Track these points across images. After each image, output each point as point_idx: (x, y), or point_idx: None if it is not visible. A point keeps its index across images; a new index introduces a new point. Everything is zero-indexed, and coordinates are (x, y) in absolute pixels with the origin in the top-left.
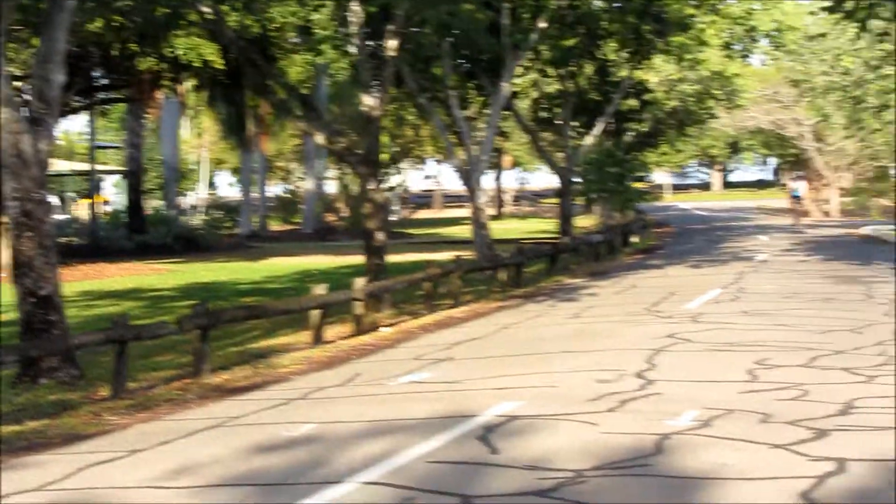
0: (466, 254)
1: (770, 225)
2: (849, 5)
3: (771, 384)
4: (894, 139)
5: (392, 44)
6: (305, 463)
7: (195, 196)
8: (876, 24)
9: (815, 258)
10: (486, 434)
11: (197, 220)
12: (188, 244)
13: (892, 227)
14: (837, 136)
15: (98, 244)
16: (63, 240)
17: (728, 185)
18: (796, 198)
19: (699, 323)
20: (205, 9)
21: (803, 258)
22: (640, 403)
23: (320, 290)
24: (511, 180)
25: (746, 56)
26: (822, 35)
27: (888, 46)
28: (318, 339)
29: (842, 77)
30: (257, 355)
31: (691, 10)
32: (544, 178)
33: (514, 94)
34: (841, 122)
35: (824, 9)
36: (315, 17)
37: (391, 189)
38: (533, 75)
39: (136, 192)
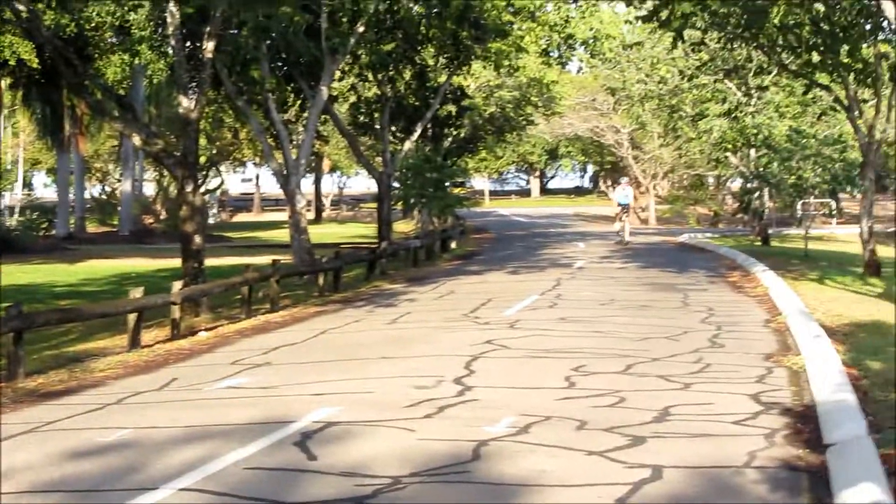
0: (285, 258)
1: (588, 232)
2: (664, 15)
3: (588, 391)
4: (709, 148)
5: (209, 46)
6: (120, 469)
7: (10, 196)
8: (691, 34)
9: (633, 265)
10: (304, 440)
11: (12, 221)
12: (3, 245)
13: (709, 234)
14: (654, 144)
15: None
16: None
17: (546, 191)
18: (624, 206)
19: (517, 329)
20: (20, 6)
21: (620, 265)
22: (458, 410)
23: (137, 293)
24: (330, 184)
25: (564, 64)
26: (639, 44)
27: (703, 56)
28: (134, 343)
29: (658, 86)
30: (73, 359)
31: (509, 17)
32: (364, 183)
33: (333, 98)
34: (657, 130)
35: (640, 18)
36: (132, 17)
37: (209, 192)
38: (351, 79)
39: None
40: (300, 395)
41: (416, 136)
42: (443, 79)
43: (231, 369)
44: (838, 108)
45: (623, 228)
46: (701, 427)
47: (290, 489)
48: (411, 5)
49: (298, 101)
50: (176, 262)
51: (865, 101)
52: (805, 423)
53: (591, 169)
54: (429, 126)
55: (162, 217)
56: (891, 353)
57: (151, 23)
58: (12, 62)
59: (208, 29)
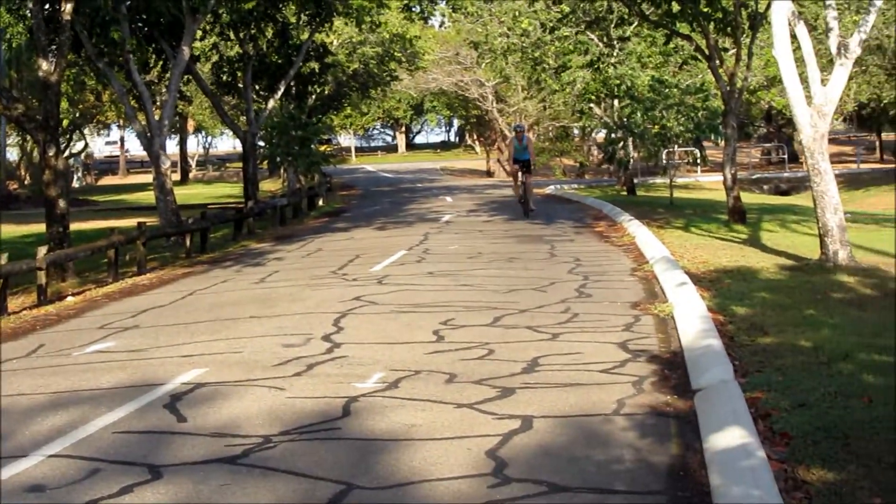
0: (151, 220)
1: (455, 186)
2: None
3: (457, 344)
4: (573, 100)
5: (68, 7)
6: None
7: None
8: None
9: (500, 218)
10: (173, 402)
11: None
12: None
13: (575, 185)
14: (518, 97)
15: None
16: None
17: (413, 146)
18: (523, 163)
19: (385, 285)
20: None
21: (487, 218)
22: (327, 367)
23: (1, 259)
24: (195, 145)
25: (426, 18)
26: None
27: (564, 8)
28: (0, 311)
29: (520, 39)
30: None
31: None
32: (229, 143)
33: (195, 58)
34: (521, 83)
35: None
36: None
37: (73, 156)
38: (213, 39)
39: None
40: (169, 357)
41: (279, 94)
42: (305, 36)
43: (99, 333)
44: (699, 57)
45: (525, 193)
46: (569, 377)
47: (161, 452)
48: None
49: (160, 62)
50: (41, 228)
51: (726, 50)
52: (672, 369)
53: (456, 123)
54: (292, 84)
55: (26, 182)
56: (756, 299)
57: None
58: None
59: None
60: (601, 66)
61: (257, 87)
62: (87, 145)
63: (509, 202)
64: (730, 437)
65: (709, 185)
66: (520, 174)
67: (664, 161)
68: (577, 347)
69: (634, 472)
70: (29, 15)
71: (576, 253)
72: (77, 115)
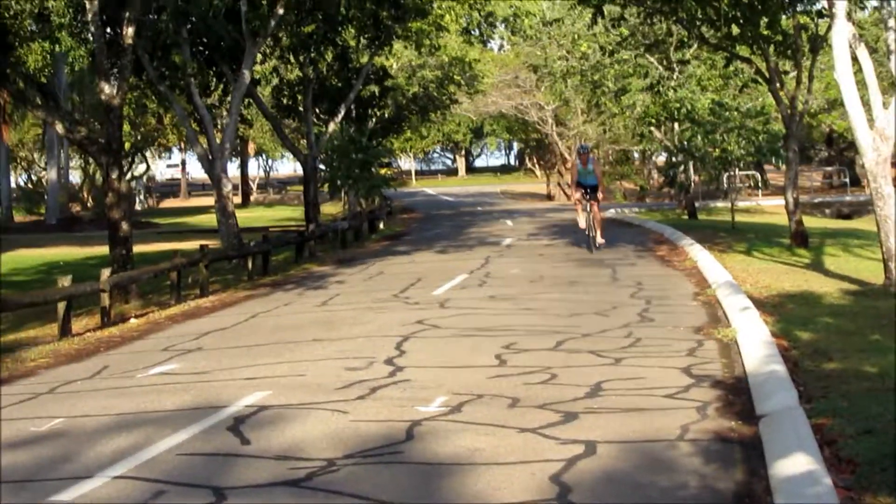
0: (213, 243)
1: (515, 209)
2: None
3: (519, 368)
4: (633, 123)
5: (129, 31)
6: (54, 458)
7: None
8: (611, 10)
9: (561, 242)
10: (237, 425)
11: None
12: None
13: (636, 209)
14: (578, 120)
15: None
16: None
17: (472, 170)
18: (588, 190)
19: (447, 308)
20: None
21: (548, 242)
22: (391, 390)
23: (65, 281)
24: (256, 168)
25: (485, 42)
26: (559, 20)
27: (624, 31)
28: (65, 332)
29: (580, 62)
30: (3, 349)
31: None
32: (290, 166)
33: (256, 82)
34: (581, 106)
35: None
36: (51, 4)
37: (135, 178)
38: (273, 62)
39: None
40: (232, 380)
41: (339, 117)
42: (365, 59)
43: (162, 356)
44: (760, 80)
45: (591, 223)
46: (633, 402)
47: (225, 474)
48: None
49: (221, 85)
50: (104, 250)
51: (787, 73)
52: (737, 394)
53: (516, 146)
54: (352, 107)
55: (89, 205)
56: (820, 324)
57: (71, 10)
58: None
59: (128, 14)
60: (661, 89)
61: (317, 110)
62: (148, 168)
63: (570, 226)
64: (795, 463)
65: (770, 209)
66: (586, 201)
67: (725, 185)
68: (641, 372)
69: (699, 498)
70: (91, 39)
71: (638, 277)
72: (139, 138)
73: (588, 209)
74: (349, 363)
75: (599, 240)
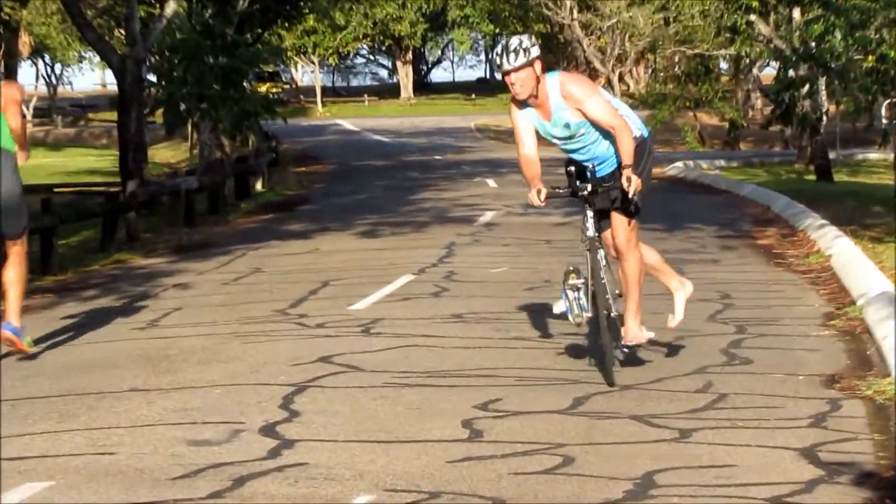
0: None
1: (503, 160)
2: None
3: (506, 446)
4: (720, 9)
5: None
6: None
7: None
8: None
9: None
10: None
11: None
12: None
13: (721, 161)
14: (619, 1)
15: None
16: None
17: (426, 87)
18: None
19: (375, 336)
20: None
21: (561, 219)
22: (270, 484)
23: None
24: (34, 79)
25: None
26: None
27: None
28: None
29: None
30: None
31: None
32: (94, 76)
33: None
34: None
35: None
36: None
37: None
38: None
39: None
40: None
41: None
42: None
43: None
44: None
45: (604, 287)
46: None
47: None
48: None
49: None
50: None
51: None
52: None
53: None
54: None
55: None
56: None
57: None
58: None
59: None
60: None
61: None
62: None
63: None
64: None
65: None
66: (589, 218)
67: (884, 121)
68: (726, 456)
69: None
70: None
71: (723, 283)
72: None
73: (594, 245)
74: (196, 432)
75: (632, 336)
